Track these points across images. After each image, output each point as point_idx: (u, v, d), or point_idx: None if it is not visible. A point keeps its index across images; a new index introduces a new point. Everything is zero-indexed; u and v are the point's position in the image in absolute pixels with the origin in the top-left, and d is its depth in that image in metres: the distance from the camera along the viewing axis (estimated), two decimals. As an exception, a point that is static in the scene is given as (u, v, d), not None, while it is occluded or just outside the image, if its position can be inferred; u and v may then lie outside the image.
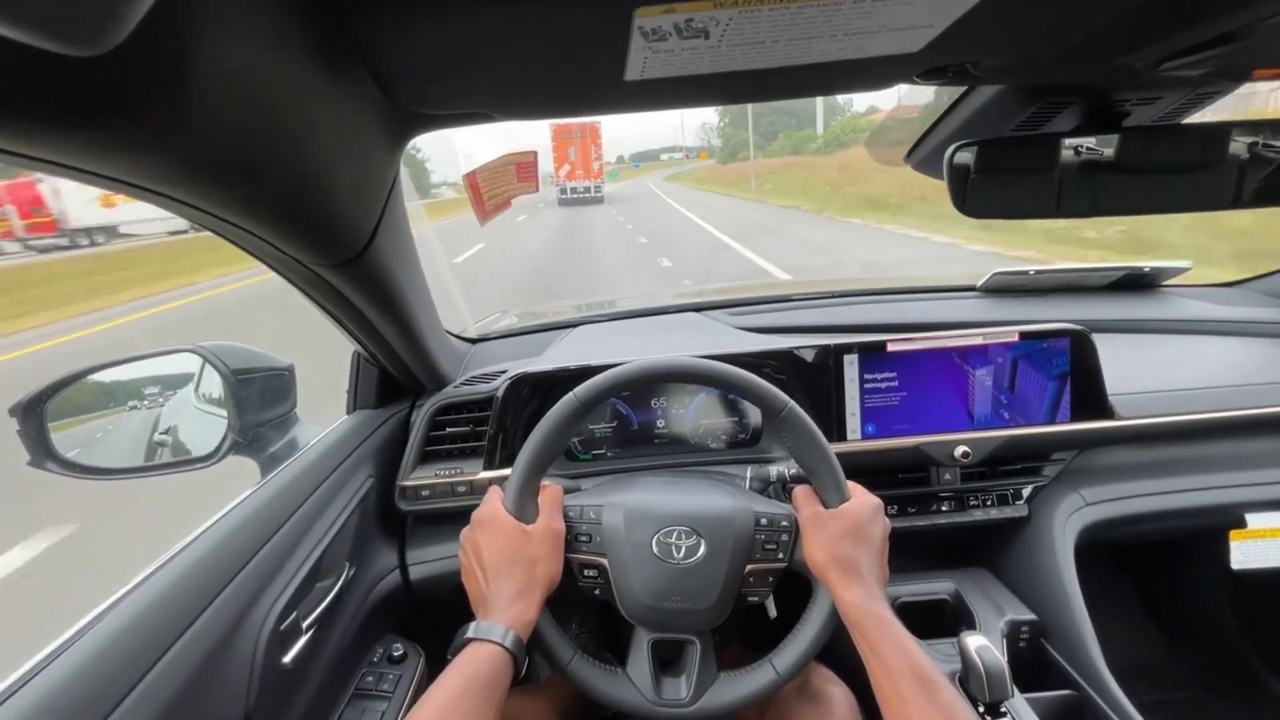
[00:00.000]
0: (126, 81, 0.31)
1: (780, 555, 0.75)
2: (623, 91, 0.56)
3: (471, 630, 0.62)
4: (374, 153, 0.60)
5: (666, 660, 0.76)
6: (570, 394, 0.75)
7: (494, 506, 0.72)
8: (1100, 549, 1.06)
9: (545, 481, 0.76)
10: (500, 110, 0.62)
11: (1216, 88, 0.73)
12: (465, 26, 0.42)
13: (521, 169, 0.74)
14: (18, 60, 0.24)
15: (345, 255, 0.65)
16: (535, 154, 0.74)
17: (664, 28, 0.41)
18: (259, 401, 0.95)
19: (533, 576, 0.67)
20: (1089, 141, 0.74)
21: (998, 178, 0.78)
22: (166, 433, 0.97)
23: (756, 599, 0.76)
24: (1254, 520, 1.04)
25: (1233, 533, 1.05)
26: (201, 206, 0.47)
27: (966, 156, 0.76)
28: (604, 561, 0.75)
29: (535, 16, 0.42)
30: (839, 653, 0.77)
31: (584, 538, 0.76)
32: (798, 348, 1.02)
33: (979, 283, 1.37)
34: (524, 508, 0.72)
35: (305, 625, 0.72)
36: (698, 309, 1.37)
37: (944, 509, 1.06)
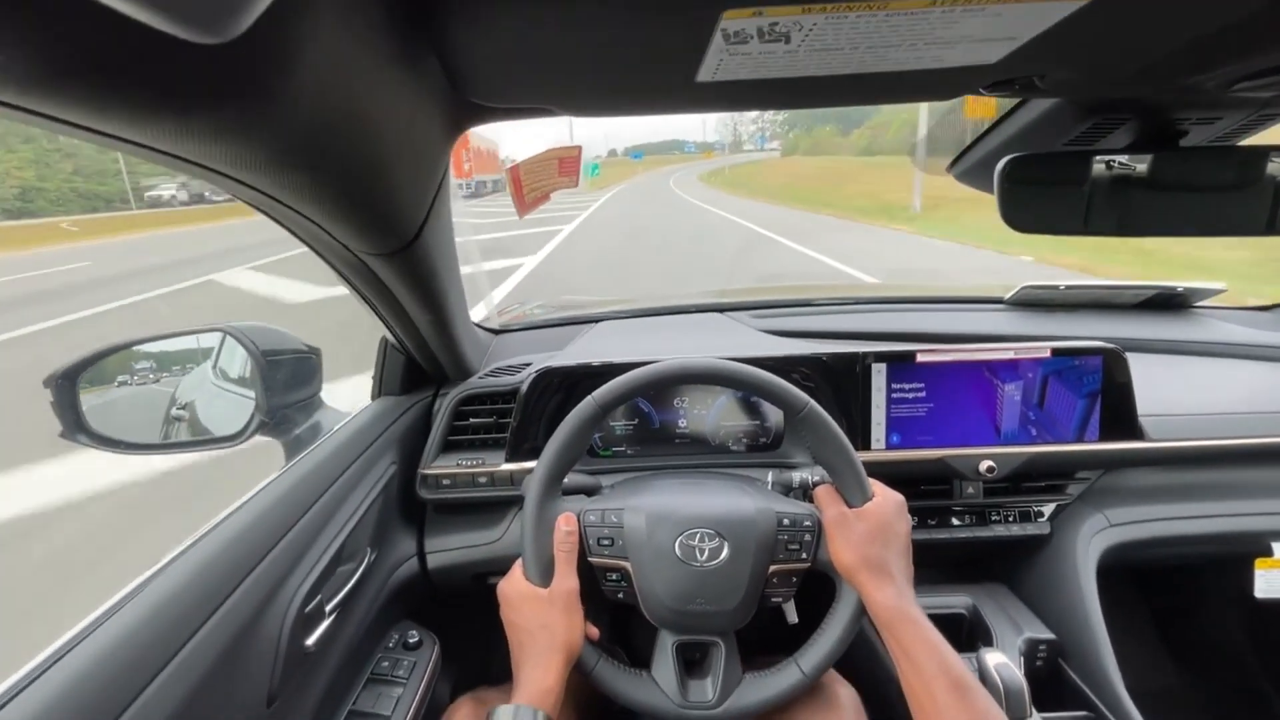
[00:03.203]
0: (237, 72, 0.31)
1: (804, 555, 0.74)
2: (690, 92, 0.55)
3: (501, 715, 0.62)
4: (431, 142, 0.59)
5: (691, 662, 0.76)
6: (589, 397, 0.75)
7: (514, 580, 0.72)
8: (1119, 570, 1.04)
9: (567, 512, 0.74)
10: (562, 105, 0.61)
11: None
12: (547, 18, 0.42)
13: (564, 163, 0.73)
14: (137, 45, 0.25)
15: (395, 245, 0.65)
16: (579, 148, 0.73)
17: (747, 30, 0.40)
18: (286, 383, 0.95)
19: (548, 644, 0.67)
20: (1121, 157, 0.72)
21: (1030, 190, 0.76)
22: (184, 408, 0.98)
23: (780, 600, 0.76)
24: None
25: (1258, 561, 1.04)
26: (266, 191, 0.47)
27: (1017, 169, 0.74)
28: (626, 565, 0.74)
29: (621, 13, 0.41)
30: (846, 653, 0.76)
31: (606, 542, 0.75)
32: (826, 354, 1.01)
33: (1007, 295, 1.35)
34: (545, 514, 0.73)
35: (328, 609, 0.72)
36: (721, 309, 1.36)
37: (965, 523, 1.05)
